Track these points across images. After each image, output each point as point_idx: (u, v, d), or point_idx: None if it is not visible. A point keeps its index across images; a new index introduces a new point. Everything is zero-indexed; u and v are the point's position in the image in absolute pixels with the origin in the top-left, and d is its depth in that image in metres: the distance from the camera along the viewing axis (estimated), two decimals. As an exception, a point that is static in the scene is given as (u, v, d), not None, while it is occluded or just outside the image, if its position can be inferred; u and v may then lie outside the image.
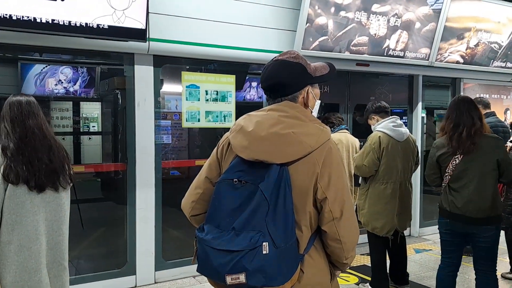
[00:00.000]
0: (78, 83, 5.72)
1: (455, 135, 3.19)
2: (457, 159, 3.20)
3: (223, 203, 1.56)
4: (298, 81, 1.72)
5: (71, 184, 2.71)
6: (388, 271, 4.31)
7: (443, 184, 3.32)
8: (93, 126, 8.10)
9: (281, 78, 1.70)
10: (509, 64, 6.71)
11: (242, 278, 1.46)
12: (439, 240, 3.50)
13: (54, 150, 2.57)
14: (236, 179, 1.55)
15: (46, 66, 5.40)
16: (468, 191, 3.19)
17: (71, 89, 5.72)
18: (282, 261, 1.50)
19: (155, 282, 4.46)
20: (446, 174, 3.26)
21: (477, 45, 6.23)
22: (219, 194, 1.59)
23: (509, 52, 6.60)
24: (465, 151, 3.17)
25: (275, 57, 1.77)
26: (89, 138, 8.29)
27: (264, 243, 1.46)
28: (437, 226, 6.40)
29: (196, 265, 1.64)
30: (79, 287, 4.05)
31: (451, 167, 3.22)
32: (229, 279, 1.48)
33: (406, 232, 4.38)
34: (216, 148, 1.77)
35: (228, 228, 1.52)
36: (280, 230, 1.50)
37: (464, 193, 3.20)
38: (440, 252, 3.51)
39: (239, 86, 5.00)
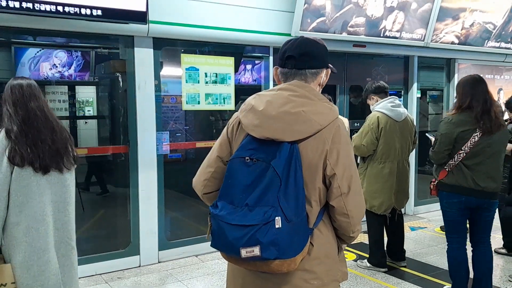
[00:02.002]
0: (72, 67, 5.70)
1: (485, 115, 3.20)
2: (476, 136, 3.21)
3: (236, 180, 1.60)
4: (323, 59, 1.79)
5: (75, 166, 2.73)
6: (385, 248, 4.43)
7: (450, 162, 3.32)
8: (88, 111, 8.06)
9: (312, 50, 1.75)
10: (503, 44, 6.78)
11: (256, 251, 1.52)
12: (442, 219, 3.50)
13: (56, 131, 2.58)
14: (248, 157, 1.59)
15: (40, 50, 5.37)
16: (486, 168, 3.26)
17: (66, 73, 5.70)
18: (293, 235, 1.56)
19: (159, 262, 4.55)
20: (461, 151, 3.26)
21: (472, 25, 6.29)
22: (232, 171, 1.62)
23: (503, 32, 6.66)
24: (494, 131, 3.21)
25: (300, 36, 1.82)
26: (85, 122, 8.26)
27: (277, 218, 1.51)
28: (431, 205, 6.62)
29: (204, 243, 1.69)
30: (85, 267, 4.12)
31: (469, 145, 3.23)
32: (243, 252, 1.53)
33: (401, 211, 4.49)
34: (226, 127, 1.80)
35: (241, 204, 1.56)
36: (292, 205, 1.56)
37: (482, 170, 3.26)
38: (446, 231, 3.55)
39: (236, 69, 5.03)
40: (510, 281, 4.06)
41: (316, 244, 1.68)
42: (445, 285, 3.90)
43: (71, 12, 3.69)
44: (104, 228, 5.10)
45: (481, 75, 3.40)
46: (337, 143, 1.65)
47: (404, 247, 4.51)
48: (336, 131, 1.66)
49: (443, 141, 3.32)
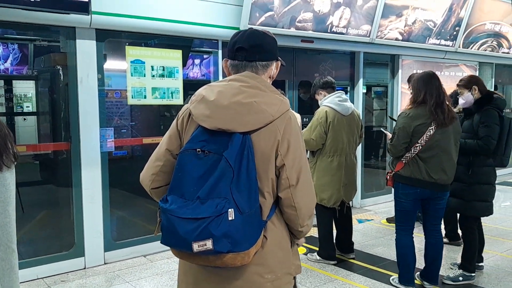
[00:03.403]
0: (9, 60, 5.37)
1: (438, 108, 3.36)
2: (431, 130, 3.37)
3: (186, 173, 1.56)
4: (274, 51, 1.78)
5: (15, 163, 2.56)
6: (334, 241, 4.49)
7: (407, 155, 3.45)
8: (27, 107, 7.66)
9: (262, 42, 1.74)
10: (442, 42, 7.07)
11: (209, 244, 1.48)
12: (387, 211, 3.66)
13: None
14: (199, 149, 1.56)
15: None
16: (439, 161, 3.42)
17: (1, 67, 5.37)
18: (246, 227, 1.53)
19: (105, 263, 4.38)
20: (418, 144, 3.40)
21: (414, 22, 6.50)
22: (182, 164, 1.58)
23: (442, 30, 6.94)
24: (447, 123, 3.37)
25: (249, 28, 1.79)
26: (24, 119, 7.85)
27: (230, 210, 1.48)
28: (377, 197, 6.82)
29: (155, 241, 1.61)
30: (26, 271, 3.91)
31: (425, 138, 3.38)
32: (196, 246, 1.49)
33: (350, 203, 4.57)
34: (176, 119, 1.75)
35: (192, 197, 1.52)
36: (245, 196, 1.53)
37: (436, 162, 3.41)
38: (397, 221, 3.68)
39: (184, 63, 4.92)
40: (452, 268, 4.23)
41: (269, 236, 1.66)
42: (392, 275, 4.00)
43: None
44: (47, 229, 4.86)
45: (418, 71, 3.55)
46: (288, 135, 1.63)
47: (352, 239, 4.60)
48: (288, 123, 1.65)
49: (401, 134, 3.45)
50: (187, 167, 1.56)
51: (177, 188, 1.57)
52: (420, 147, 3.40)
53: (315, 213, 4.44)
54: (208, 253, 1.51)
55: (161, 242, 1.60)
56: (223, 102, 1.60)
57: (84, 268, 4.26)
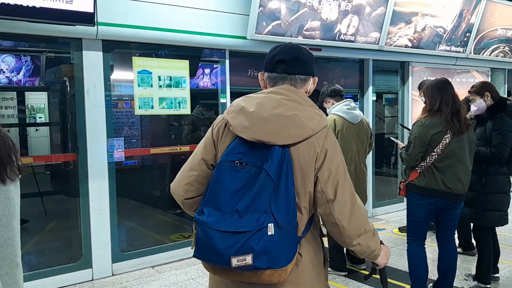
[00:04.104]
0: (22, 72, 5.42)
1: (454, 116, 3.27)
2: (447, 138, 3.27)
3: (224, 185, 1.52)
4: (312, 66, 1.77)
5: (20, 176, 2.55)
6: (345, 251, 4.41)
7: (422, 164, 3.35)
8: (40, 117, 7.74)
9: (302, 56, 1.73)
10: (453, 48, 6.98)
11: (248, 259, 1.44)
12: (400, 220, 3.56)
13: None
14: (237, 161, 1.52)
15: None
16: (455, 170, 3.32)
17: (15, 79, 5.42)
18: (284, 243, 1.49)
19: (113, 275, 4.35)
20: (433, 153, 3.30)
21: (424, 29, 6.43)
22: (219, 175, 1.54)
23: (452, 36, 6.86)
24: (463, 131, 3.29)
25: (288, 42, 1.79)
26: (36, 130, 7.92)
27: (269, 224, 1.45)
28: (389, 206, 6.71)
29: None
30: (34, 284, 3.89)
31: (440, 147, 3.28)
32: (235, 261, 1.44)
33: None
34: (211, 129, 1.71)
35: (230, 210, 1.48)
36: (283, 211, 1.49)
37: (452, 172, 3.31)
38: (409, 231, 3.57)
39: (192, 73, 4.91)
40: (466, 279, 4.12)
41: (303, 254, 1.62)
42: (404, 287, 3.91)
43: (15, 11, 3.46)
44: (55, 240, 4.86)
45: (428, 78, 3.47)
46: (326, 149, 1.61)
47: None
48: (326, 137, 1.62)
49: (417, 144, 3.34)
50: (224, 179, 1.52)
51: (213, 200, 1.52)
52: (436, 156, 3.30)
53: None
54: (246, 269, 1.46)
55: (194, 256, 1.55)
56: (263, 113, 1.57)
57: (92, 280, 4.23)
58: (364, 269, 4.39)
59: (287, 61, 1.70)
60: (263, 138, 1.53)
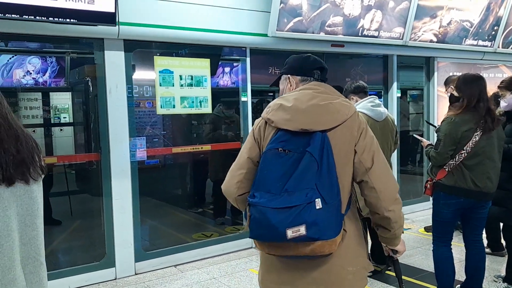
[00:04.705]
0: (47, 73, 5.49)
1: (488, 114, 3.18)
2: (477, 136, 3.17)
3: (271, 169, 1.70)
4: None
5: (43, 176, 2.57)
6: (369, 252, 4.32)
7: (451, 162, 3.24)
8: (64, 117, 7.84)
9: (326, 67, 2.06)
10: (480, 42, 6.78)
11: (302, 230, 1.60)
12: (425, 220, 3.46)
13: (21, 140, 2.42)
14: (281, 148, 1.72)
15: (13, 57, 5.16)
16: (485, 168, 3.22)
17: (41, 80, 5.50)
18: (331, 217, 1.66)
19: (136, 274, 4.37)
20: (463, 151, 3.19)
21: (449, 23, 6.26)
22: (266, 162, 1.73)
23: (480, 30, 6.66)
24: (495, 127, 3.20)
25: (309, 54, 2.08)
26: (61, 130, 8.03)
27: (317, 199, 1.62)
28: (414, 205, 6.57)
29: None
30: (57, 282, 3.94)
31: (470, 144, 3.17)
32: (290, 233, 1.60)
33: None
34: (252, 131, 1.92)
35: (279, 191, 1.65)
36: (327, 188, 1.66)
37: (481, 170, 3.22)
38: (435, 232, 3.47)
39: (213, 72, 4.89)
40: (495, 281, 4.00)
41: (348, 230, 1.78)
42: (430, 288, 3.81)
43: (38, 12, 3.49)
44: (79, 239, 4.91)
45: (455, 73, 3.35)
46: (361, 130, 1.82)
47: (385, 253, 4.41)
48: (358, 119, 1.84)
49: (447, 141, 3.23)
50: (271, 164, 1.71)
51: (263, 184, 1.70)
52: (466, 154, 3.19)
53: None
54: (300, 240, 1.62)
55: (250, 237, 1.73)
56: (301, 106, 1.79)
57: (115, 279, 4.26)
58: (389, 270, 4.30)
59: (326, 69, 2.02)
60: (305, 126, 1.74)
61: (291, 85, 2.01)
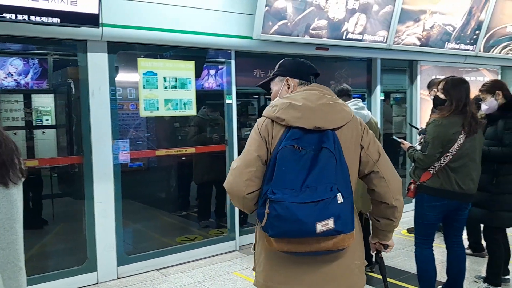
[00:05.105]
0: (29, 75, 5.41)
1: (473, 117, 3.24)
2: (461, 138, 3.22)
3: (289, 166, 1.72)
4: None
5: (23, 179, 2.52)
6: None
7: (436, 164, 3.27)
8: (46, 120, 7.73)
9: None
10: (462, 46, 6.88)
11: (331, 223, 1.65)
12: (408, 221, 3.48)
13: (1, 143, 2.38)
14: (296, 145, 1.75)
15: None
16: (468, 170, 3.27)
17: (22, 82, 5.41)
18: (348, 211, 1.72)
19: (118, 278, 4.32)
20: (449, 154, 3.23)
21: (432, 27, 6.34)
22: (284, 158, 1.73)
23: (462, 34, 6.76)
24: (477, 131, 3.26)
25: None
26: (43, 132, 7.92)
27: (338, 194, 1.68)
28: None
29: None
30: (39, 287, 3.87)
31: (455, 147, 3.22)
32: (319, 226, 1.64)
33: (368, 214, 4.41)
34: (256, 130, 1.89)
35: (299, 187, 1.67)
36: (343, 183, 1.72)
37: (465, 172, 3.27)
38: (418, 234, 3.50)
39: (197, 74, 4.87)
40: (476, 281, 4.05)
41: (354, 226, 1.81)
42: (413, 290, 3.84)
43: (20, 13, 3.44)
44: (60, 244, 4.84)
45: (437, 76, 3.40)
46: (363, 126, 1.93)
47: (371, 252, 4.43)
48: (358, 119, 1.95)
49: (435, 144, 3.25)
50: (289, 161, 1.72)
51: (282, 181, 1.70)
52: (451, 157, 3.23)
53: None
54: (328, 233, 1.66)
55: (270, 235, 1.71)
56: (311, 105, 1.84)
57: (97, 283, 4.21)
58: (372, 271, 4.31)
59: (316, 76, 2.10)
60: (318, 124, 1.79)
61: (289, 87, 2.03)
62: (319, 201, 1.65)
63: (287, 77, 2.05)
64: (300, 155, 1.73)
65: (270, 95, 2.19)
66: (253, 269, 2.02)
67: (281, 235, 1.71)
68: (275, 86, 2.10)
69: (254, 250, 2.02)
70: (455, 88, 3.32)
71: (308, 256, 1.80)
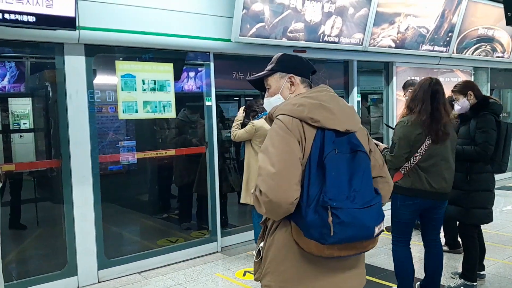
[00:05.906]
0: (6, 78, 5.34)
1: (432, 125, 3.23)
2: (429, 139, 3.26)
3: (339, 171, 1.67)
4: None
5: (1, 184, 2.52)
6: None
7: (406, 165, 3.32)
8: (24, 124, 7.62)
9: None
10: (436, 48, 7.04)
11: (382, 225, 1.70)
12: (391, 221, 3.48)
13: None
14: (336, 149, 1.70)
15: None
16: (439, 169, 3.30)
17: (-1, 85, 5.33)
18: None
19: (99, 282, 4.29)
20: (417, 154, 3.27)
21: (407, 29, 6.48)
22: (332, 164, 1.66)
23: (435, 36, 6.92)
24: (439, 142, 3.26)
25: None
26: (21, 136, 7.80)
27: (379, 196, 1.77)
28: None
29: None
30: (17, 293, 3.83)
31: (424, 147, 3.25)
32: (376, 230, 1.68)
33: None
34: (287, 132, 1.71)
35: (348, 191, 1.65)
36: (372, 186, 1.78)
37: (436, 172, 3.30)
38: (395, 232, 3.54)
39: (176, 76, 4.88)
40: (453, 277, 4.15)
41: None
42: (392, 287, 3.91)
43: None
44: (39, 249, 4.78)
45: (413, 78, 3.43)
46: (366, 132, 1.96)
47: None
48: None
49: (402, 144, 3.30)
50: (335, 166, 1.67)
51: (336, 186, 1.64)
52: (420, 157, 3.28)
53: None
54: (377, 235, 1.70)
55: (331, 242, 1.61)
56: (336, 106, 1.79)
57: (77, 288, 4.18)
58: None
59: (313, 73, 2.04)
60: (349, 127, 1.77)
61: (293, 85, 1.92)
62: (373, 205, 1.68)
63: (291, 74, 1.92)
64: (341, 159, 1.68)
65: (259, 91, 2.11)
66: (256, 279, 1.89)
67: (343, 241, 1.64)
68: (275, 82, 1.94)
69: (257, 258, 1.89)
70: (421, 89, 3.37)
71: (347, 258, 1.76)
